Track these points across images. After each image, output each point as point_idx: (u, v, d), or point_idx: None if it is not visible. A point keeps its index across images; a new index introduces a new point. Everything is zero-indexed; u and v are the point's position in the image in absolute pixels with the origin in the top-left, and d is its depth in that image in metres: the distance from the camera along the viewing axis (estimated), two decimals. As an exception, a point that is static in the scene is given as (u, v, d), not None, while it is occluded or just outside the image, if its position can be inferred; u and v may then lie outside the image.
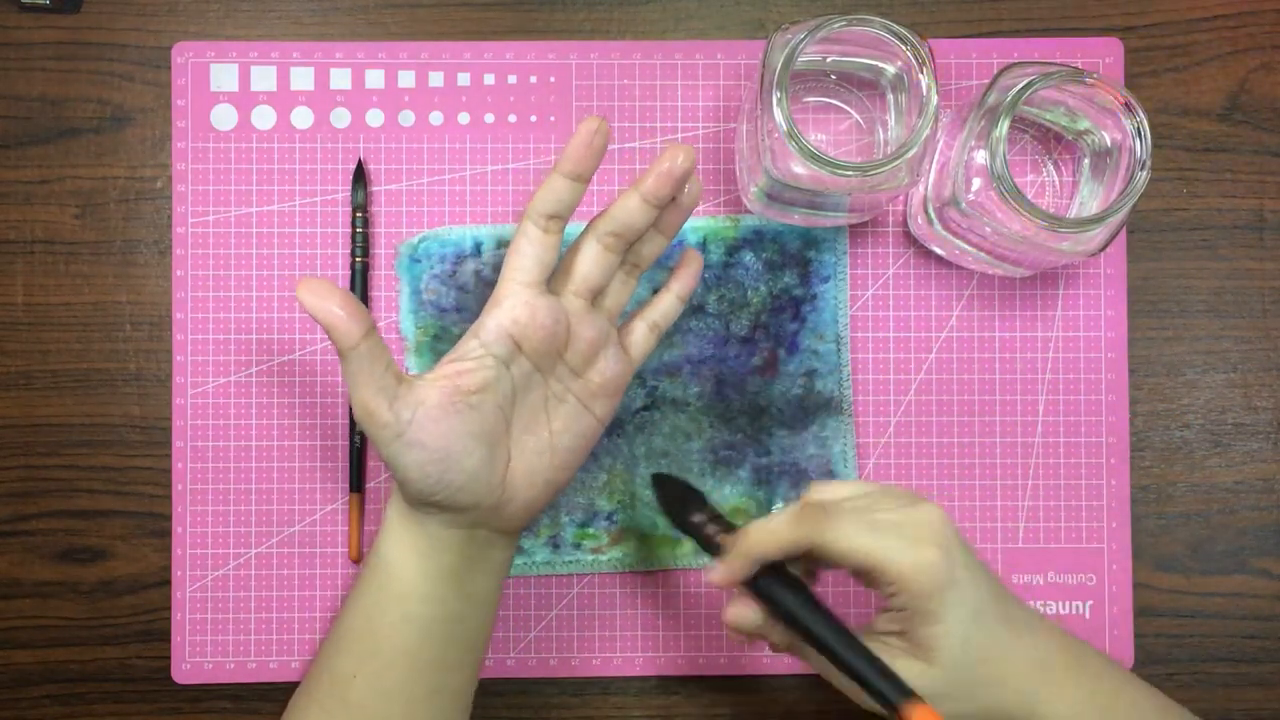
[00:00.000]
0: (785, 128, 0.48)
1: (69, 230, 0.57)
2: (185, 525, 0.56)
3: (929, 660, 0.44)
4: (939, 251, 0.57)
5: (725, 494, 0.57)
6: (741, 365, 0.57)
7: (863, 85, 0.55)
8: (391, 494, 0.49)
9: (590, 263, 0.48)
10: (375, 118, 0.57)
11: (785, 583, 0.45)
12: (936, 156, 0.53)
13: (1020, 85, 0.49)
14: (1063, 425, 0.57)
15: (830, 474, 0.57)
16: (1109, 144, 0.53)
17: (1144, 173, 0.49)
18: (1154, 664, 0.57)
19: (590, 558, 0.57)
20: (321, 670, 0.50)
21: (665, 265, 0.55)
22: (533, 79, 0.58)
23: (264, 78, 0.57)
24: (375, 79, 0.57)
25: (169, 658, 0.57)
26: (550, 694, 0.57)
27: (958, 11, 0.58)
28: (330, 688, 0.49)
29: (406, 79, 0.58)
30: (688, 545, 0.57)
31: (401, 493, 0.47)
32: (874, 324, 0.58)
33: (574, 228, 0.52)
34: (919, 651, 0.44)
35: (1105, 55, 0.58)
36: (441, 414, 0.45)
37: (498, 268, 0.56)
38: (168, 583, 0.57)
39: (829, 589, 0.57)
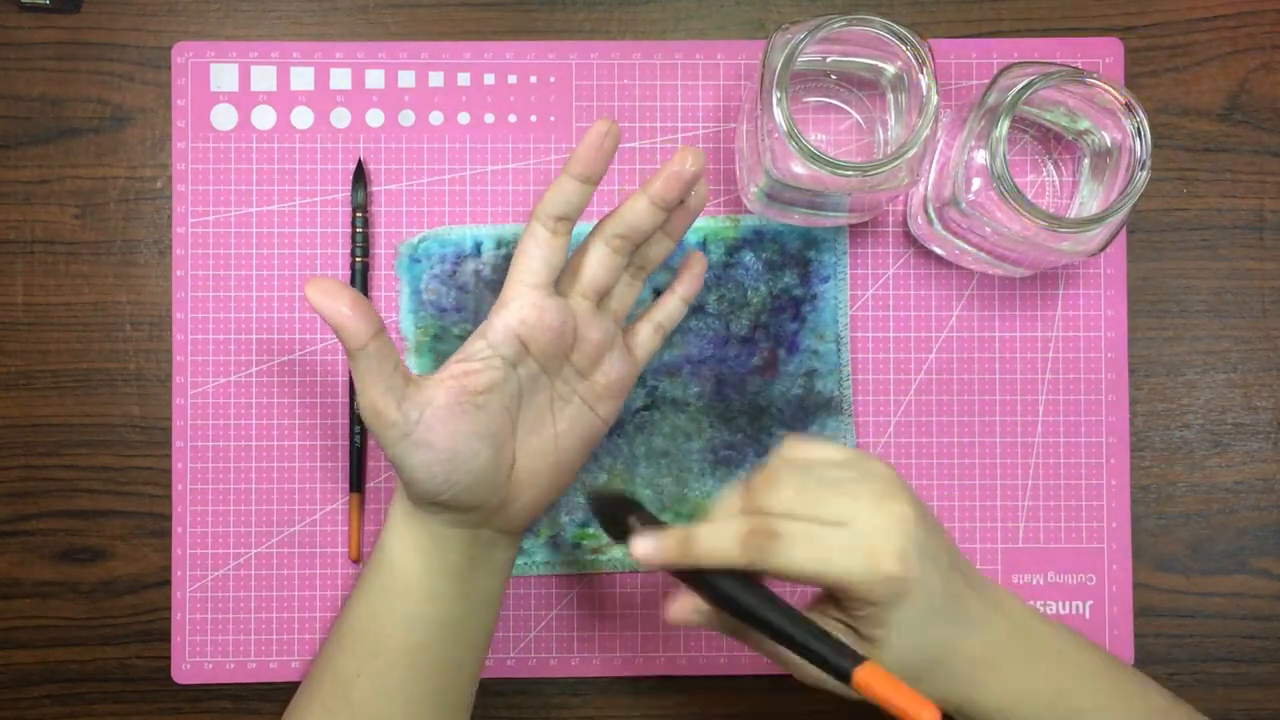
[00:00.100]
0: (785, 128, 0.48)
1: (69, 230, 0.57)
2: (185, 525, 0.56)
3: (872, 650, 0.43)
4: (939, 251, 0.57)
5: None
6: (741, 365, 0.57)
7: (863, 85, 0.55)
8: (395, 493, 0.49)
9: (597, 265, 0.48)
10: (375, 118, 0.57)
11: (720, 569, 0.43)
12: (936, 156, 0.53)
13: (1020, 85, 0.49)
14: (1063, 425, 0.57)
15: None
16: (1109, 144, 0.53)
17: (1144, 173, 0.48)
18: (1154, 664, 0.57)
19: (590, 558, 0.57)
20: (324, 669, 0.50)
21: (669, 266, 0.55)
22: (533, 79, 0.58)
23: (264, 78, 0.57)
24: (375, 79, 0.57)
25: (169, 658, 0.57)
26: (550, 694, 0.57)
27: (958, 11, 0.58)
28: (333, 687, 0.49)
29: (406, 79, 0.57)
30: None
31: (407, 492, 0.47)
32: (874, 324, 0.58)
33: (579, 229, 0.52)
34: (863, 642, 0.43)
35: (1105, 55, 0.58)
36: (449, 414, 0.45)
37: (498, 268, 0.56)
38: (168, 583, 0.57)
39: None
